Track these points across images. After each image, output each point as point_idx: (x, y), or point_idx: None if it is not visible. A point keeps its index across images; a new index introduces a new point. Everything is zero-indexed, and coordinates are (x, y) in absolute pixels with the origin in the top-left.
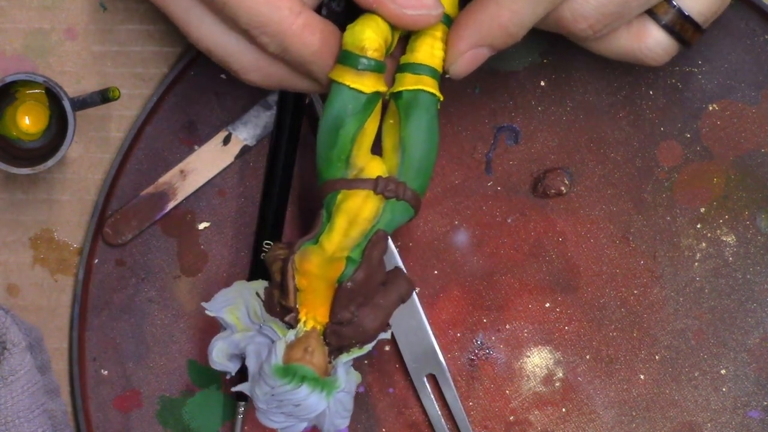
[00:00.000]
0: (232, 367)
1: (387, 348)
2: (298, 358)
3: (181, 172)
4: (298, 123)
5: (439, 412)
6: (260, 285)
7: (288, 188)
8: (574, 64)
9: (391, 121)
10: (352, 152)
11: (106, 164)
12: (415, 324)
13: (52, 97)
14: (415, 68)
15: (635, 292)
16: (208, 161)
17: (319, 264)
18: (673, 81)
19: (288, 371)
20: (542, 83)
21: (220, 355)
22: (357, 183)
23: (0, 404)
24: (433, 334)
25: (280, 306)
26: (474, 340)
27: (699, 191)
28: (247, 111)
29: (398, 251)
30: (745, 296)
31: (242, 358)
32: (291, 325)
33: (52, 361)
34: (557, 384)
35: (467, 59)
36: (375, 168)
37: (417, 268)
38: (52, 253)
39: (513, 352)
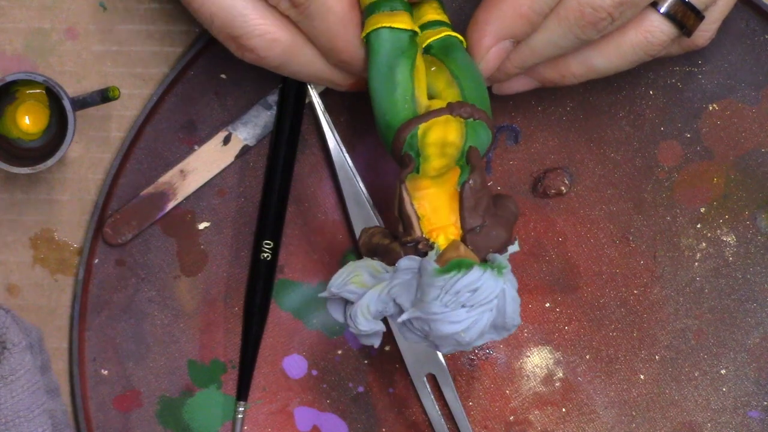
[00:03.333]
0: (380, 326)
1: (387, 348)
2: (450, 257)
3: (181, 171)
4: (298, 123)
5: (439, 412)
6: (369, 260)
7: (288, 188)
8: None
9: (434, 69)
10: (415, 89)
11: (106, 164)
12: None
13: (52, 96)
14: (431, 25)
15: (635, 292)
16: (208, 161)
17: (432, 180)
18: (673, 81)
19: (452, 266)
20: None
21: (365, 315)
22: (431, 114)
23: (0, 404)
24: None
25: (413, 246)
26: None
27: (699, 191)
28: (247, 111)
29: None
30: (745, 296)
31: (382, 318)
32: (426, 251)
33: (52, 361)
34: (557, 384)
35: (493, 55)
36: (440, 104)
37: None
38: (52, 253)
39: (513, 352)
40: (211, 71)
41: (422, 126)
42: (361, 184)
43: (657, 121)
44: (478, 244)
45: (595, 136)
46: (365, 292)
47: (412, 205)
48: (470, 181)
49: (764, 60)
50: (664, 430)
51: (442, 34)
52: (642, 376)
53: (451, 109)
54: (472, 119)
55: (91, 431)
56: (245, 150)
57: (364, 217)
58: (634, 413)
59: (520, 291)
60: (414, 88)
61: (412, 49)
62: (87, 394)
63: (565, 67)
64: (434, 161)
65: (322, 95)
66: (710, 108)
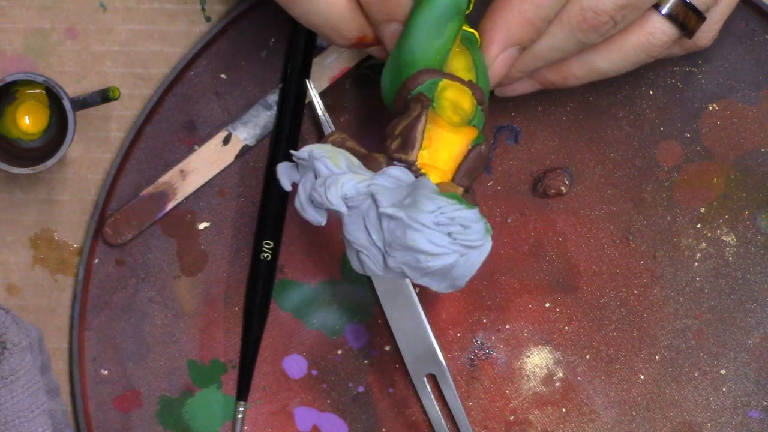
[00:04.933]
0: (343, 209)
1: (387, 348)
2: (454, 191)
3: (181, 172)
4: (298, 123)
5: (439, 412)
6: (347, 152)
7: None
8: None
9: (457, 49)
10: (451, 50)
11: (106, 164)
12: (415, 324)
13: (52, 96)
14: None
15: (635, 291)
16: (208, 161)
17: (451, 126)
18: (673, 81)
19: (455, 196)
20: None
21: (338, 192)
22: (456, 78)
23: (0, 404)
24: (433, 334)
25: (397, 159)
26: (474, 340)
27: (699, 191)
28: (247, 111)
29: None
30: (745, 296)
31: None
32: (416, 172)
33: (52, 361)
34: (557, 384)
35: (500, 63)
36: (463, 75)
37: None
38: (52, 253)
39: (513, 352)
40: (211, 71)
41: (445, 81)
42: None
43: (657, 121)
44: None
45: (595, 136)
46: (340, 173)
47: (423, 131)
48: (482, 147)
49: (764, 60)
50: (664, 430)
51: (467, 29)
52: (642, 376)
53: (471, 85)
54: (479, 108)
55: (91, 431)
56: (245, 150)
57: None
58: (634, 413)
59: (521, 291)
60: (452, 48)
61: (462, 17)
62: (87, 394)
63: (567, 69)
64: (448, 111)
65: (322, 95)
66: (710, 108)
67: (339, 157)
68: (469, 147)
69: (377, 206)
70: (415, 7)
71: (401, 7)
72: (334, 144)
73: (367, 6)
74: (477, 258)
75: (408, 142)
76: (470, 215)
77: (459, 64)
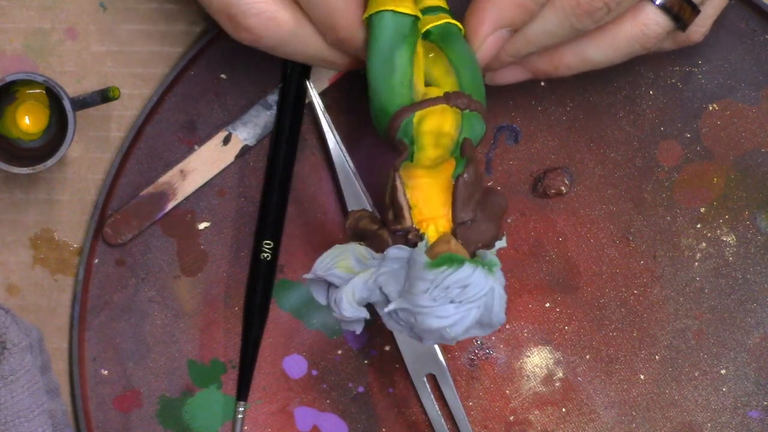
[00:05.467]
0: (364, 313)
1: (387, 348)
2: (441, 251)
3: (181, 172)
4: (298, 123)
5: (439, 412)
6: (356, 245)
7: (288, 188)
8: None
9: (432, 55)
10: (413, 76)
11: (106, 164)
12: None
13: (53, 96)
14: (431, 11)
15: (635, 291)
16: (208, 161)
17: (426, 170)
18: (673, 81)
19: (443, 260)
20: (542, 83)
21: (350, 302)
22: (428, 102)
23: (0, 404)
24: None
25: (396, 231)
26: (474, 340)
27: (699, 191)
28: (247, 111)
29: None
30: (745, 296)
31: (366, 304)
32: (416, 242)
33: (52, 361)
34: (557, 384)
35: (490, 44)
36: (436, 92)
37: None
38: (52, 253)
39: (513, 352)
40: (211, 71)
41: (418, 113)
42: (361, 184)
43: (657, 121)
44: (468, 237)
45: (595, 136)
46: (351, 277)
47: (404, 194)
48: (465, 175)
49: (764, 60)
50: (664, 430)
51: (442, 21)
52: (642, 376)
53: (447, 98)
54: (468, 110)
55: (91, 431)
56: (245, 150)
57: None
58: (634, 413)
59: (521, 291)
60: (413, 74)
61: (413, 35)
62: (87, 394)
63: (559, 58)
64: (429, 151)
65: (322, 95)
66: (710, 108)
67: (348, 256)
68: (453, 181)
69: (388, 301)
70: (367, 51)
71: (353, 42)
72: (349, 229)
73: (331, 45)
74: (496, 299)
75: (397, 211)
76: (462, 274)
77: (439, 70)
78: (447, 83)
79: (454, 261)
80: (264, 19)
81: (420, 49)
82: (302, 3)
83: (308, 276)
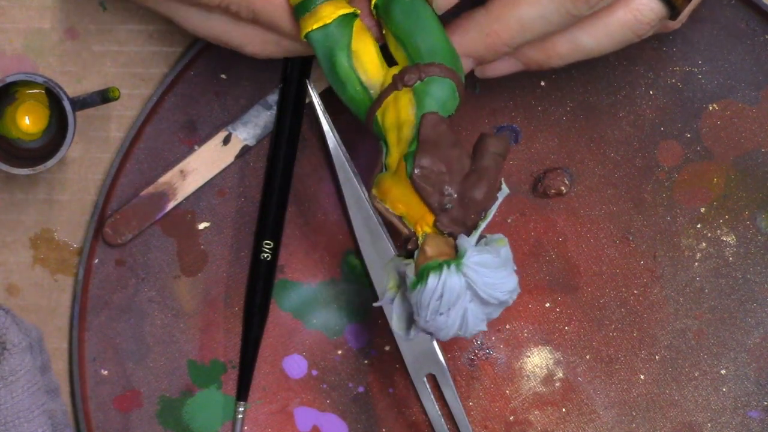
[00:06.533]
0: (416, 332)
1: (387, 348)
2: (419, 263)
3: (181, 172)
4: (298, 123)
5: (439, 412)
6: (396, 259)
7: (288, 188)
8: (574, 64)
9: (384, 31)
10: (360, 77)
11: (106, 164)
12: None
13: (52, 97)
14: None
15: (635, 292)
16: (208, 161)
17: (391, 181)
18: (673, 81)
19: (416, 280)
20: (542, 83)
21: (400, 328)
22: (381, 96)
23: (0, 404)
24: None
25: (405, 246)
26: (474, 340)
27: (699, 191)
28: (247, 111)
29: (398, 252)
30: (745, 296)
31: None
32: (414, 249)
33: (52, 361)
34: (557, 384)
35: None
36: (390, 78)
37: None
38: (52, 253)
39: (513, 352)
40: (211, 71)
41: (378, 112)
42: (361, 184)
43: (657, 121)
44: (456, 217)
45: (595, 136)
46: (395, 300)
47: (387, 209)
48: (416, 170)
49: (764, 60)
50: (664, 431)
51: None
52: (642, 376)
53: (395, 83)
54: (419, 82)
55: (91, 431)
56: (245, 150)
57: (364, 217)
58: (634, 413)
59: (521, 291)
60: (359, 76)
61: (343, 36)
62: (87, 394)
63: (552, 47)
64: (393, 152)
65: (322, 95)
66: (710, 108)
67: (392, 274)
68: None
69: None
70: None
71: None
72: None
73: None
74: (480, 287)
75: (392, 228)
76: (430, 288)
77: (392, 46)
78: (399, 58)
79: (423, 275)
80: (257, 43)
81: (361, 38)
82: (266, 27)
83: (377, 305)
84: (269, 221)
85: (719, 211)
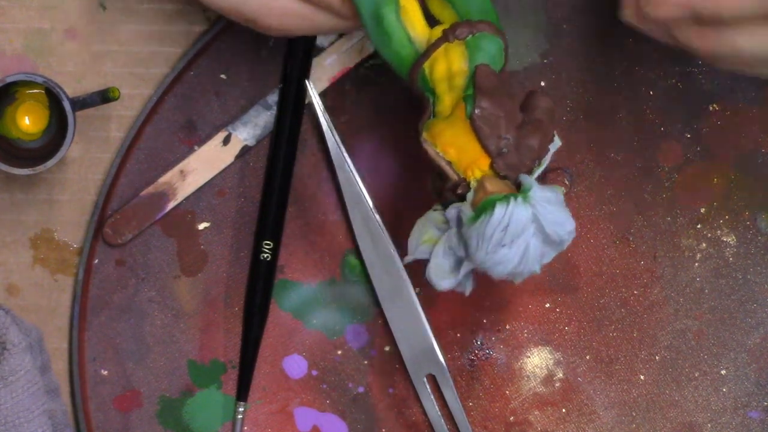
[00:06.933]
0: (460, 277)
1: (387, 348)
2: (479, 199)
3: (181, 172)
4: (298, 123)
5: (439, 413)
6: (432, 213)
7: (288, 188)
8: (574, 64)
9: None
10: (409, 32)
11: (106, 164)
12: (415, 324)
13: (52, 97)
14: None
15: (635, 292)
16: (208, 161)
17: (444, 125)
18: (673, 81)
19: (480, 210)
20: (542, 83)
21: (439, 275)
22: (430, 49)
23: (0, 404)
24: (433, 334)
25: (453, 192)
26: (474, 341)
27: (699, 191)
28: (247, 111)
29: (398, 252)
30: (745, 296)
31: (459, 264)
32: (466, 193)
33: (52, 361)
34: (557, 384)
35: None
36: (439, 32)
37: (417, 269)
38: (52, 253)
39: (513, 353)
40: (211, 71)
41: (426, 64)
42: (361, 184)
43: (657, 122)
44: (512, 162)
45: (595, 137)
46: (435, 248)
47: (437, 153)
48: (476, 110)
49: None
50: (664, 431)
51: None
52: (642, 377)
53: (446, 36)
54: (471, 36)
55: (91, 431)
56: (245, 150)
57: (363, 217)
58: (634, 414)
59: (521, 291)
60: (407, 30)
61: None
62: (87, 394)
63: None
64: (445, 99)
65: (322, 95)
66: (711, 108)
67: (429, 227)
68: (469, 122)
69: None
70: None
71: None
72: (433, 191)
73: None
74: (547, 216)
75: (441, 172)
76: (497, 218)
77: (436, 6)
78: (446, 17)
79: (486, 207)
80: (278, 15)
81: None
82: None
83: (406, 261)
84: (269, 221)
85: (719, 211)
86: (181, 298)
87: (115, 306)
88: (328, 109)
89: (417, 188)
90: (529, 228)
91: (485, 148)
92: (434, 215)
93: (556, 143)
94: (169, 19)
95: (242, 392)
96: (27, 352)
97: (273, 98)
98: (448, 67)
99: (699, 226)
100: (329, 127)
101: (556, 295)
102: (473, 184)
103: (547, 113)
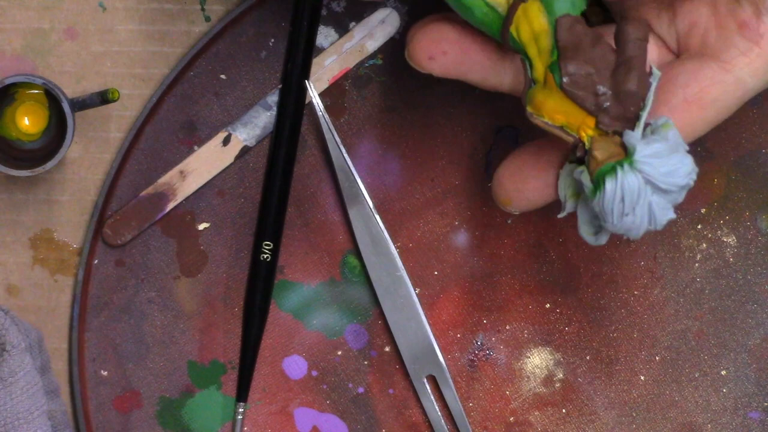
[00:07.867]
0: (605, 237)
1: (387, 349)
2: (593, 169)
3: (181, 172)
4: (298, 123)
5: (439, 413)
6: (570, 166)
7: (288, 189)
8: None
9: None
10: None
11: (106, 164)
12: (415, 325)
13: (52, 97)
14: None
15: (636, 292)
16: (207, 162)
17: (543, 94)
18: None
19: (593, 188)
20: None
21: (587, 233)
22: (510, 12)
23: None
24: (433, 334)
25: (575, 154)
26: (474, 341)
27: (699, 192)
28: (246, 111)
29: (398, 252)
30: (745, 297)
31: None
32: (584, 156)
33: (51, 362)
34: (557, 385)
35: None
36: None
37: (417, 268)
38: (52, 253)
39: (513, 353)
40: (211, 71)
41: (512, 28)
42: (361, 185)
43: None
44: (616, 114)
45: None
46: (578, 211)
47: (546, 123)
48: (564, 79)
49: None
50: (664, 431)
51: None
52: (642, 377)
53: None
54: None
55: None
56: (245, 151)
57: (363, 217)
58: (634, 414)
59: (521, 292)
60: None
61: None
62: (87, 395)
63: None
64: (537, 64)
65: (322, 95)
66: None
67: (568, 182)
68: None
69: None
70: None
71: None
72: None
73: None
74: (658, 174)
75: (557, 137)
76: (610, 194)
77: None
78: None
79: (599, 182)
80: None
81: None
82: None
83: (561, 215)
84: (269, 222)
85: (720, 211)
86: (181, 298)
87: (115, 306)
88: (328, 109)
89: (417, 188)
90: (645, 191)
91: (585, 110)
92: (571, 169)
93: (656, 75)
94: (169, 19)
95: (242, 393)
96: (26, 352)
97: (273, 98)
98: (531, 28)
99: (699, 226)
100: (329, 127)
101: (556, 296)
102: (588, 144)
103: (639, 46)
